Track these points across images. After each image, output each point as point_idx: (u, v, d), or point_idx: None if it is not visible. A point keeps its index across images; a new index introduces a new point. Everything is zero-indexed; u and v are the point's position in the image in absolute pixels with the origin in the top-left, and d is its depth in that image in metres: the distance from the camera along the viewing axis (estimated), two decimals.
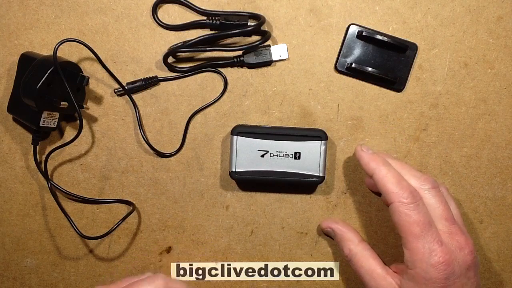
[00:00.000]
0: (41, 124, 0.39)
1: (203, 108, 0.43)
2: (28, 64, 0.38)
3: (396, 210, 0.35)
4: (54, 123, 0.40)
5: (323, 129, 0.42)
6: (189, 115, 0.42)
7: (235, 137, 0.41)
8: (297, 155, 0.41)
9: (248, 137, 0.41)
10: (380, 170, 0.37)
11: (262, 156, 0.41)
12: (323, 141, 0.41)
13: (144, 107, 0.42)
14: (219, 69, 0.42)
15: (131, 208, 0.42)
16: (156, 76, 0.42)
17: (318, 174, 0.41)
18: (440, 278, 0.34)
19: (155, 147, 0.42)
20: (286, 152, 0.41)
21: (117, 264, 0.44)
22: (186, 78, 0.42)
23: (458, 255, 0.35)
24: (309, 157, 0.41)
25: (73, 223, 0.41)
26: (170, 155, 0.43)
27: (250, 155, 0.41)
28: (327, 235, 0.43)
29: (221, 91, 0.42)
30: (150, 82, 0.42)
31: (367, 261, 0.39)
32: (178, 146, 0.43)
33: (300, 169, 0.41)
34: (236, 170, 0.41)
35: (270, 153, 0.41)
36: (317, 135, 0.41)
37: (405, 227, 0.35)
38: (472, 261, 0.35)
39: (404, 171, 0.37)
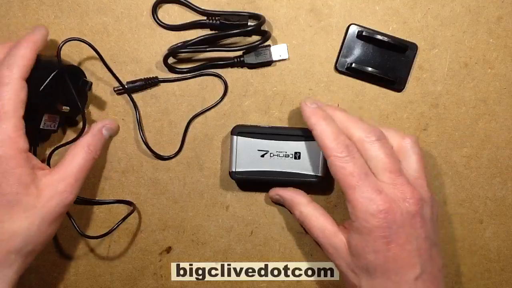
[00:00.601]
0: (41, 127, 0.38)
1: (202, 112, 0.42)
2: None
3: (332, 164, 0.35)
4: (54, 125, 0.40)
5: None
6: (189, 119, 0.42)
7: (235, 137, 0.41)
8: (297, 155, 0.41)
9: (248, 137, 0.41)
10: (320, 125, 0.36)
11: (262, 156, 0.41)
12: None
13: (144, 107, 0.42)
14: (219, 71, 0.42)
15: (131, 208, 0.42)
16: (156, 77, 0.42)
17: (318, 174, 0.41)
18: (381, 227, 0.33)
19: (153, 149, 0.42)
20: (286, 152, 0.41)
21: (117, 264, 0.44)
22: (186, 78, 0.42)
23: (401, 205, 0.34)
24: (309, 157, 0.41)
25: (74, 222, 0.41)
26: (169, 158, 0.43)
27: (250, 155, 0.41)
28: (277, 203, 0.43)
29: (221, 93, 0.42)
30: (151, 83, 0.41)
31: (318, 220, 0.38)
32: (178, 146, 0.43)
33: (300, 169, 0.41)
34: (236, 170, 0.41)
35: (270, 153, 0.41)
36: None
37: (342, 180, 0.35)
38: (417, 210, 0.34)
39: (351, 123, 0.37)
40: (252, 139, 0.41)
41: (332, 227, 0.38)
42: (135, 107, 0.42)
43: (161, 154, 0.43)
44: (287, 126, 0.43)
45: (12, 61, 0.35)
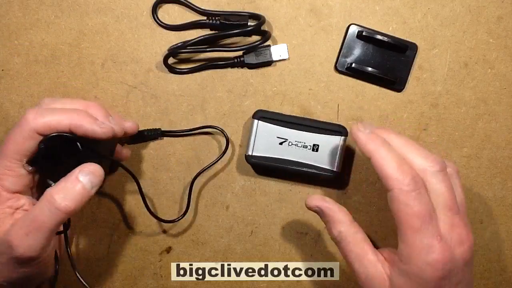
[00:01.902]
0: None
1: (204, 169, 0.42)
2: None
3: (395, 199, 0.32)
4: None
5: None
6: (193, 178, 0.42)
7: (256, 121, 0.41)
8: (315, 148, 0.41)
9: (269, 123, 0.41)
10: (379, 152, 0.33)
11: (281, 143, 0.41)
12: (343, 137, 0.41)
13: (144, 107, 0.42)
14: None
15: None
16: (159, 129, 0.42)
17: (333, 169, 0.41)
18: (436, 277, 0.31)
19: (157, 215, 0.42)
20: (304, 143, 0.41)
21: (117, 264, 0.44)
22: (186, 78, 0.42)
23: (457, 251, 0.32)
24: (327, 151, 0.41)
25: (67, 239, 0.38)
26: (173, 221, 0.42)
27: (268, 141, 0.40)
28: (315, 212, 0.38)
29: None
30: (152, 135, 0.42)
31: (358, 245, 0.35)
32: (178, 146, 0.43)
33: (316, 162, 0.41)
34: (253, 154, 0.41)
35: (289, 142, 0.41)
36: (338, 130, 0.41)
37: (403, 219, 0.31)
38: (470, 257, 0.33)
39: (409, 149, 0.33)
40: (273, 125, 0.41)
41: (373, 256, 0.34)
42: (135, 179, 0.40)
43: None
44: (309, 117, 0.43)
45: (45, 113, 0.34)
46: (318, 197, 0.37)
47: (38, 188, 0.37)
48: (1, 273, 0.33)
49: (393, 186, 0.32)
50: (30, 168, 0.35)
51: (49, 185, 0.34)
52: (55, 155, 0.34)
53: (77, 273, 0.38)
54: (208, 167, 0.42)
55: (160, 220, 0.42)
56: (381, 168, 0.32)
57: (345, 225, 0.35)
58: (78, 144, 0.34)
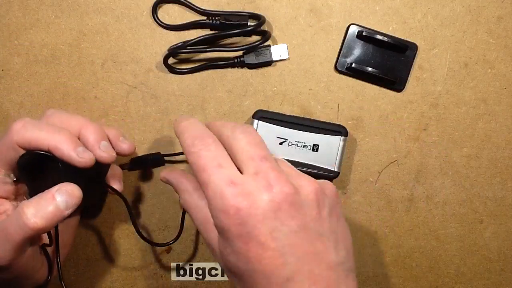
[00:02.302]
0: None
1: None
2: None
3: (189, 163, 0.32)
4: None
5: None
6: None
7: (256, 120, 0.41)
8: (315, 148, 0.41)
9: (269, 123, 0.41)
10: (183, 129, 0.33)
11: (281, 143, 0.41)
12: (343, 137, 0.41)
13: (144, 107, 0.42)
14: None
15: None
16: (158, 153, 0.42)
17: (333, 169, 0.41)
18: (235, 224, 0.28)
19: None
20: (304, 143, 0.41)
21: (117, 264, 0.44)
22: (186, 78, 0.42)
23: (262, 195, 0.29)
24: (327, 151, 0.41)
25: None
26: (167, 244, 0.41)
27: (268, 141, 0.40)
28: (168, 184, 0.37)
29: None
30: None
31: (201, 211, 0.32)
32: (178, 146, 0.43)
33: (316, 162, 0.41)
34: None
35: (289, 142, 0.41)
36: (338, 130, 0.41)
37: (197, 178, 0.31)
38: (283, 199, 0.29)
39: (219, 127, 0.33)
40: (273, 125, 0.41)
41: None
42: (125, 203, 0.38)
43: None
44: (309, 117, 0.43)
45: (30, 128, 0.33)
46: (166, 170, 0.37)
47: (26, 196, 0.37)
48: None
49: (185, 152, 0.32)
50: (14, 178, 0.34)
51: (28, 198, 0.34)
52: (36, 169, 0.33)
53: (63, 284, 0.37)
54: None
55: (153, 244, 0.42)
56: (181, 143, 0.32)
57: (189, 193, 0.34)
58: (59, 163, 0.33)
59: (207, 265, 0.44)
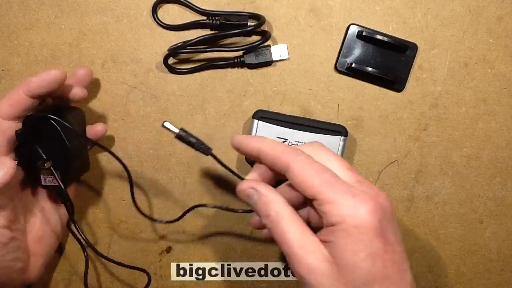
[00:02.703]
0: (43, 183, 0.36)
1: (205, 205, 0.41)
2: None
3: (295, 172, 0.30)
4: (54, 181, 0.36)
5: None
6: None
7: (256, 121, 0.41)
8: None
9: (269, 123, 0.41)
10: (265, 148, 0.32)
11: None
12: (343, 137, 0.41)
13: (144, 107, 0.42)
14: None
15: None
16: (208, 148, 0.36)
17: None
18: (374, 222, 0.28)
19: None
20: (304, 143, 0.41)
21: (117, 264, 0.44)
22: (186, 78, 0.42)
23: (379, 199, 0.29)
24: None
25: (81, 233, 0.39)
26: (169, 221, 0.40)
27: None
28: (245, 196, 0.34)
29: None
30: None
31: (296, 224, 0.30)
32: (178, 146, 0.43)
33: None
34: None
35: (289, 142, 0.41)
36: (338, 130, 0.41)
37: (315, 185, 0.29)
38: (392, 207, 0.30)
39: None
40: (273, 125, 0.41)
41: (313, 236, 0.30)
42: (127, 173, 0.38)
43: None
44: (309, 117, 0.43)
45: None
46: (251, 179, 0.34)
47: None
48: None
49: (289, 161, 0.31)
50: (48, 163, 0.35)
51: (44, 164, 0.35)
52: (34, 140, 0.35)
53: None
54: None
55: (149, 218, 0.41)
56: (273, 159, 0.32)
57: (280, 204, 0.31)
58: (52, 121, 0.34)
59: (207, 265, 0.44)
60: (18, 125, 0.35)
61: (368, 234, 0.28)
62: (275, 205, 0.31)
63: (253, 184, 0.33)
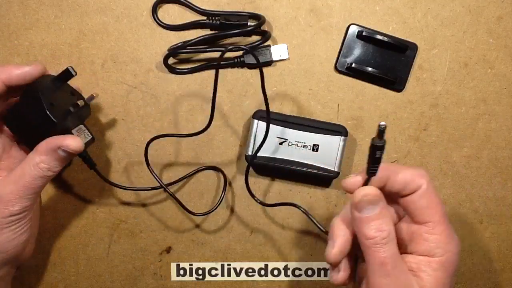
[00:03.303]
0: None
1: (209, 212, 0.42)
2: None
3: (425, 193, 0.30)
4: (88, 134, 0.38)
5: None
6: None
7: (256, 121, 0.41)
8: (315, 148, 0.41)
9: (270, 123, 0.40)
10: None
11: (281, 143, 0.41)
12: (343, 137, 0.41)
13: (144, 107, 0.42)
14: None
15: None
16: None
17: (333, 169, 0.41)
18: (457, 266, 0.31)
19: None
20: (304, 143, 0.41)
21: (117, 264, 0.44)
22: (186, 78, 0.42)
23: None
24: (327, 151, 0.41)
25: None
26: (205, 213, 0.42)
27: (268, 141, 0.40)
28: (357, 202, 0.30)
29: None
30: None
31: (396, 248, 0.29)
32: (178, 146, 0.43)
33: (316, 162, 0.41)
34: (253, 154, 0.40)
35: (289, 142, 0.41)
36: (338, 130, 0.41)
37: (434, 210, 0.30)
38: None
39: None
40: (273, 125, 0.41)
41: (404, 263, 0.30)
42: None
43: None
44: (309, 117, 0.43)
45: None
46: (369, 186, 0.31)
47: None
48: None
49: (421, 183, 0.31)
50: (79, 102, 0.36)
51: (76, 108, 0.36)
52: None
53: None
54: (213, 210, 0.42)
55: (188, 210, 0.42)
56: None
57: (391, 224, 0.30)
58: (39, 93, 0.34)
59: (207, 265, 0.44)
60: None
61: (454, 270, 0.31)
62: (391, 222, 0.30)
63: (378, 193, 0.30)
